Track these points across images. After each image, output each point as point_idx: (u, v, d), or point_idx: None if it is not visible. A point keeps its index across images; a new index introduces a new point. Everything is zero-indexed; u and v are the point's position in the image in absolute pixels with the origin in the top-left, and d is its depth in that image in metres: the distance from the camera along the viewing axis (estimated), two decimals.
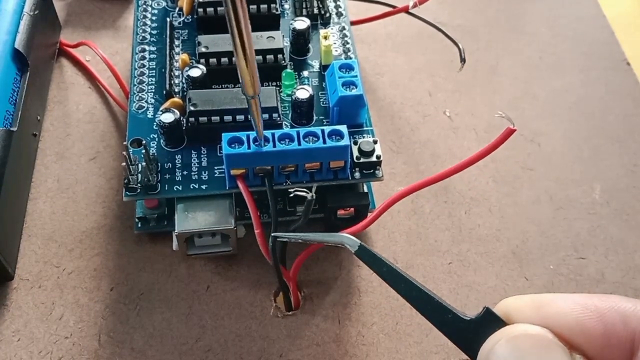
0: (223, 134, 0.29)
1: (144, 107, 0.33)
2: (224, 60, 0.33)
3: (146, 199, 0.31)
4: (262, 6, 0.35)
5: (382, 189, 0.36)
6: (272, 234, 0.28)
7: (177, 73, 0.34)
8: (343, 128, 0.30)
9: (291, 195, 0.28)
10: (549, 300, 0.18)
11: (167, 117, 0.31)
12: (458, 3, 0.46)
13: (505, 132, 0.26)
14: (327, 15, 0.37)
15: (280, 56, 0.34)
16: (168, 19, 0.37)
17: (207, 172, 0.31)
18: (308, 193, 0.27)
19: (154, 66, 0.35)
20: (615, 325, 0.17)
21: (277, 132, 0.29)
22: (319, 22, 0.37)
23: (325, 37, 0.34)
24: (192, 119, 0.31)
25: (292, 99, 0.32)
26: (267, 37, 0.34)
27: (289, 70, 0.34)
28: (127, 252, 0.33)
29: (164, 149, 0.32)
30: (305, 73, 0.35)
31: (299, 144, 0.29)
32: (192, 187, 0.30)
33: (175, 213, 0.30)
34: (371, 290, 0.32)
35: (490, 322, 0.19)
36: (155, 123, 0.32)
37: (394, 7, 0.39)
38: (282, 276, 0.30)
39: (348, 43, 0.36)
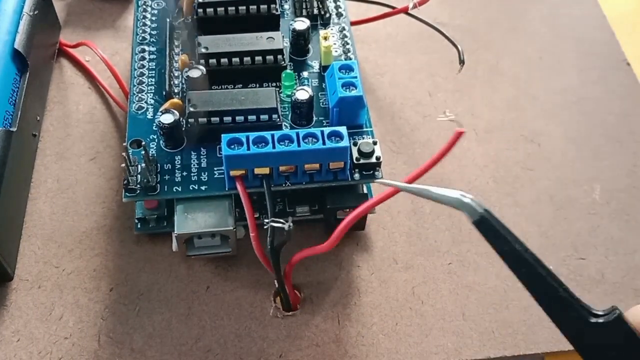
0: (222, 135, 0.29)
1: (144, 107, 0.33)
2: (224, 61, 0.33)
3: (146, 200, 0.31)
4: (262, 6, 0.35)
5: (382, 190, 0.36)
6: (378, 181, 0.25)
7: (176, 74, 0.34)
8: (343, 129, 0.30)
9: (265, 227, 0.28)
10: None
11: (167, 118, 0.31)
12: (458, 3, 0.46)
13: (455, 136, 0.24)
14: (327, 15, 0.37)
15: (280, 57, 0.34)
16: (168, 19, 0.37)
17: (206, 173, 0.31)
18: (285, 223, 0.27)
19: (154, 67, 0.35)
20: None
21: (277, 133, 0.29)
22: (318, 22, 0.37)
23: (325, 38, 0.34)
24: (191, 120, 0.31)
25: (291, 99, 0.32)
26: (267, 38, 0.34)
27: (288, 71, 0.34)
28: (126, 252, 0.33)
29: (164, 150, 0.32)
30: (305, 74, 0.35)
31: (299, 145, 0.29)
32: (191, 188, 0.30)
33: (175, 214, 0.30)
34: (371, 291, 0.32)
35: (620, 331, 0.16)
36: (154, 124, 0.32)
37: (393, 7, 0.39)
38: (281, 277, 0.30)
39: (348, 44, 0.36)
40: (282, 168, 0.30)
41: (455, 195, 0.18)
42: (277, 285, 0.31)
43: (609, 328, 0.16)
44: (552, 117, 0.40)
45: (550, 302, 0.17)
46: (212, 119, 0.31)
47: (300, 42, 0.35)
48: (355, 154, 0.31)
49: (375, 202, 0.28)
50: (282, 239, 0.28)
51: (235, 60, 0.33)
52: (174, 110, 0.31)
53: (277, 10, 0.35)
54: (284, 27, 0.36)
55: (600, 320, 0.16)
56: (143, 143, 0.30)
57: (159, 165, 0.31)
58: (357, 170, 0.31)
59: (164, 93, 0.34)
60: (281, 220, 0.27)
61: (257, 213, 0.32)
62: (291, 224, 0.27)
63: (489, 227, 0.18)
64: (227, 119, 0.31)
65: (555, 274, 0.17)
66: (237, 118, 0.31)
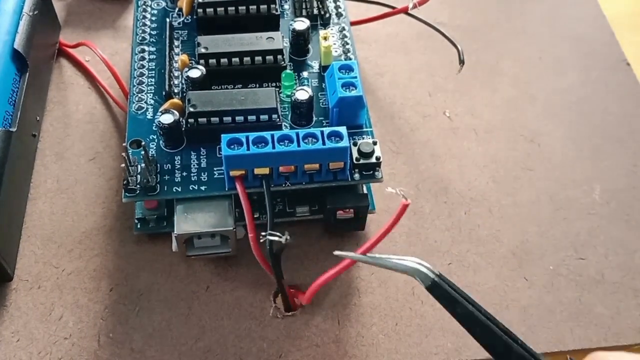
0: (222, 135, 0.29)
1: (144, 107, 0.33)
2: (224, 61, 0.33)
3: (145, 200, 0.31)
4: (262, 6, 0.35)
5: (382, 190, 0.36)
6: (335, 252, 0.26)
7: (176, 74, 0.34)
8: (342, 129, 0.30)
9: (261, 240, 0.28)
10: None
11: (167, 118, 0.31)
12: (458, 3, 0.46)
13: (401, 208, 0.25)
14: (327, 15, 0.37)
15: (279, 57, 0.34)
16: (168, 20, 0.37)
17: (206, 173, 0.31)
18: (282, 237, 0.27)
19: (154, 67, 0.35)
20: None
21: (277, 134, 0.29)
22: (318, 22, 0.37)
23: (325, 38, 0.34)
24: (191, 120, 0.31)
25: (291, 100, 0.32)
26: (267, 38, 0.34)
27: (288, 71, 0.34)
28: (126, 252, 0.33)
29: (164, 150, 0.32)
30: (305, 74, 0.35)
31: (299, 145, 0.29)
32: (191, 188, 0.30)
33: (175, 214, 0.30)
34: (371, 291, 0.32)
35: None
36: (154, 124, 0.32)
37: (393, 7, 0.39)
38: (281, 281, 0.30)
39: (348, 44, 0.36)
40: (282, 168, 0.30)
41: (408, 264, 0.19)
42: (277, 288, 0.31)
43: None
44: (552, 117, 0.40)
45: (506, 358, 0.17)
46: (212, 119, 0.31)
47: (300, 42, 0.35)
48: (355, 154, 0.31)
49: (333, 274, 0.28)
50: (281, 245, 0.28)
51: (235, 60, 0.33)
52: (173, 111, 0.31)
53: (277, 10, 0.35)
54: (284, 27, 0.36)
55: None
56: (143, 143, 0.30)
57: (158, 165, 0.31)
58: (357, 170, 0.31)
59: (163, 93, 0.34)
60: (278, 234, 0.27)
61: (257, 213, 0.32)
62: (288, 237, 0.27)
63: (441, 291, 0.18)
64: (227, 119, 0.31)
65: (509, 329, 0.17)
66: (237, 118, 0.31)
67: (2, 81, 0.33)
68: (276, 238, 0.27)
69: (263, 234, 0.28)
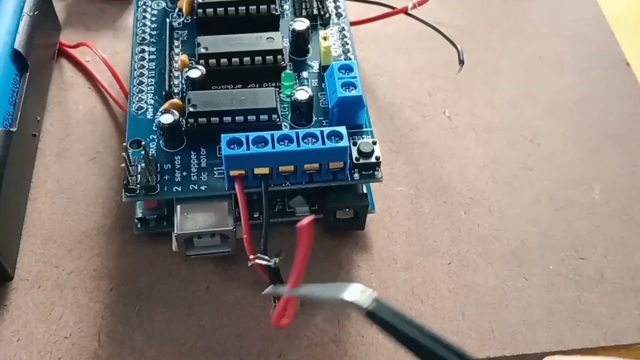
0: (222, 135, 0.29)
1: (144, 107, 0.33)
2: (224, 61, 0.33)
3: (146, 200, 0.31)
4: (261, 7, 0.35)
5: (382, 190, 0.36)
6: (264, 293, 0.26)
7: (176, 74, 0.34)
8: (342, 129, 0.30)
9: (249, 264, 0.28)
10: None
11: (167, 118, 0.31)
12: (458, 3, 0.46)
13: (305, 233, 0.23)
14: (327, 16, 0.37)
15: (279, 57, 0.34)
16: (168, 20, 0.37)
17: (206, 173, 0.31)
18: (270, 261, 0.27)
19: (154, 67, 0.35)
20: None
21: (277, 133, 0.29)
22: (318, 22, 0.37)
23: (325, 38, 0.34)
24: (191, 120, 0.31)
25: (291, 100, 0.32)
26: (267, 38, 0.34)
27: (288, 71, 0.34)
28: (126, 252, 0.33)
29: (164, 150, 0.32)
30: (305, 74, 0.35)
31: (298, 145, 0.29)
32: (191, 188, 0.31)
33: (175, 214, 0.30)
34: None
35: None
36: (154, 124, 0.32)
37: (393, 7, 0.39)
38: (275, 280, 0.30)
39: (348, 44, 0.36)
40: (281, 168, 0.30)
41: (340, 295, 0.18)
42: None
43: None
44: (552, 117, 0.40)
45: None
46: (212, 119, 0.31)
47: (300, 42, 0.35)
48: (354, 154, 0.31)
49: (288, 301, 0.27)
50: (274, 267, 0.28)
51: (235, 60, 0.33)
52: (173, 111, 0.31)
53: (276, 11, 0.35)
54: (284, 28, 0.36)
55: None
56: (143, 143, 0.30)
57: (158, 165, 0.31)
58: (356, 170, 0.31)
59: (163, 93, 0.34)
60: (266, 258, 0.27)
61: (257, 213, 0.32)
62: (277, 260, 0.27)
63: (379, 318, 0.17)
64: (227, 119, 0.31)
65: (458, 348, 0.17)
66: (237, 118, 0.31)
67: (3, 81, 0.33)
68: (264, 262, 0.27)
69: (251, 257, 0.28)
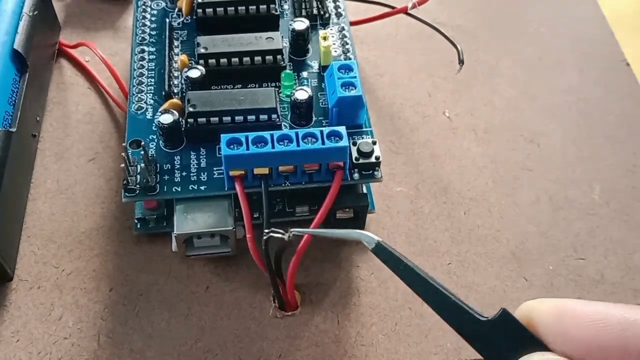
0: (222, 135, 0.29)
1: (143, 108, 0.33)
2: (223, 61, 0.33)
3: (145, 200, 0.31)
4: (261, 7, 0.35)
5: (382, 190, 0.36)
6: (292, 230, 0.27)
7: (176, 74, 0.34)
8: (342, 129, 0.30)
9: (264, 237, 0.28)
10: (571, 307, 0.18)
11: (166, 118, 0.31)
12: (457, 3, 0.46)
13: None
14: (327, 15, 0.37)
15: (279, 57, 0.34)
16: (167, 20, 0.37)
17: (206, 173, 0.31)
18: (284, 234, 0.27)
19: (153, 67, 0.35)
20: (637, 342, 0.16)
21: (276, 133, 0.29)
22: (318, 22, 0.37)
23: (325, 38, 0.34)
24: (191, 120, 0.31)
25: (291, 99, 0.32)
26: (266, 38, 0.34)
27: (288, 71, 0.34)
28: (126, 253, 0.33)
29: (163, 150, 0.32)
30: (305, 74, 0.35)
31: (298, 145, 0.29)
32: (191, 188, 0.30)
33: (174, 214, 0.30)
34: (370, 291, 0.32)
35: (506, 324, 0.18)
36: (154, 124, 0.32)
37: (393, 7, 0.39)
38: (275, 280, 0.30)
39: (347, 44, 0.36)
40: (281, 168, 0.30)
41: (354, 234, 0.22)
42: (272, 289, 0.31)
43: (498, 321, 0.19)
44: (552, 117, 0.40)
45: (445, 309, 0.19)
46: (212, 119, 0.31)
47: (300, 42, 0.35)
48: (354, 154, 0.31)
49: (299, 254, 0.29)
50: (283, 244, 0.28)
51: (235, 60, 0.33)
52: (173, 111, 0.31)
53: (276, 11, 0.35)
54: (284, 27, 0.36)
55: (490, 317, 0.19)
56: (142, 143, 0.30)
57: (158, 165, 0.31)
58: (356, 170, 0.31)
59: (163, 93, 0.34)
60: (281, 231, 0.27)
61: (257, 213, 0.32)
62: (291, 234, 0.27)
63: (385, 252, 0.21)
64: (227, 119, 0.31)
65: (445, 286, 0.19)
66: (237, 118, 0.31)
67: (2, 81, 0.33)
68: (279, 235, 0.27)
69: (266, 231, 0.28)
